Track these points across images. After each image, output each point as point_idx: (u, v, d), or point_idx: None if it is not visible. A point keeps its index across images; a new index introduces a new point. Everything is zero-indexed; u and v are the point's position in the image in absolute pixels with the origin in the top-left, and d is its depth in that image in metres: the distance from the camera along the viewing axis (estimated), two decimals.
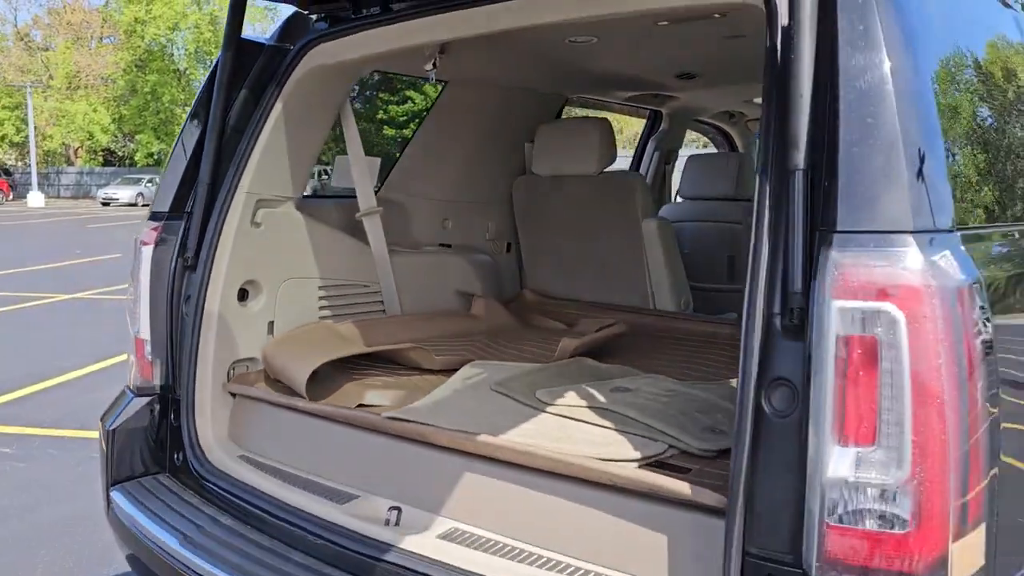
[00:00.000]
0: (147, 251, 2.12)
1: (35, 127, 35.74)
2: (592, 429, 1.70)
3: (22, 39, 40.37)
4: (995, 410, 1.09)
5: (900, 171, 1.08)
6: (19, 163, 40.56)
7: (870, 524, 1.07)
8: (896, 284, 1.05)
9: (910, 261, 1.06)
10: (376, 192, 2.85)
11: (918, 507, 1.05)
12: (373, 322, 2.45)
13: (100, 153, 39.28)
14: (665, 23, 2.12)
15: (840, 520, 1.08)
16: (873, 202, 1.09)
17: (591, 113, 3.77)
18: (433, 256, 2.83)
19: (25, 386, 5.77)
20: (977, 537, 1.07)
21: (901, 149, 1.09)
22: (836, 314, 1.08)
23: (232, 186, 2.09)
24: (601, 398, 1.87)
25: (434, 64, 2.24)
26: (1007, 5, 1.70)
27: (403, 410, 1.83)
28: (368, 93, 26.07)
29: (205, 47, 36.00)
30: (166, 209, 2.13)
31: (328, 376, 2.13)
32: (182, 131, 2.19)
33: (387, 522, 1.67)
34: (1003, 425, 1.12)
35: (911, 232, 1.07)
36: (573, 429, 1.72)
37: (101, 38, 40.26)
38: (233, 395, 2.12)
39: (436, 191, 2.93)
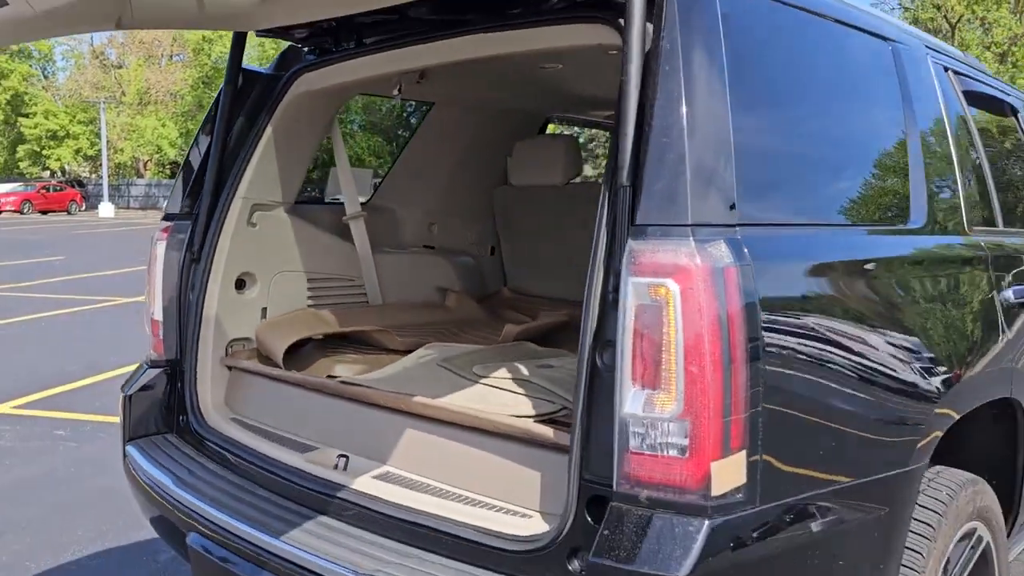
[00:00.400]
0: (161, 247, 2.53)
1: (107, 141, 37.49)
2: (508, 395, 2.04)
3: (97, 57, 42.38)
4: (758, 363, 1.40)
5: (684, 182, 1.41)
6: (92, 175, 42.49)
7: (656, 451, 1.39)
8: (673, 264, 1.38)
9: (685, 248, 1.38)
10: (370, 199, 3.24)
11: (689, 437, 1.37)
12: (352, 310, 2.83)
13: (168, 166, 40.88)
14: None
15: (635, 448, 1.41)
16: (661, 204, 1.42)
17: (577, 130, 4.11)
18: (416, 256, 3.21)
19: (82, 378, 6.32)
20: (737, 461, 1.38)
21: (686, 167, 1.42)
22: (632, 288, 1.41)
23: (231, 192, 2.49)
24: (526, 372, 2.21)
25: (399, 89, 2.63)
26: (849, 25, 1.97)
27: (355, 378, 2.20)
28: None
29: (267, 64, 37.28)
30: (176, 212, 2.54)
31: (308, 353, 2.51)
32: (192, 146, 2.61)
33: (336, 467, 2.04)
34: (769, 375, 1.43)
35: (688, 226, 1.39)
36: (494, 395, 2.07)
37: (171, 56, 42.04)
38: (229, 368, 2.52)
39: (423, 200, 3.31)
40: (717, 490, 1.36)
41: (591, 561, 1.40)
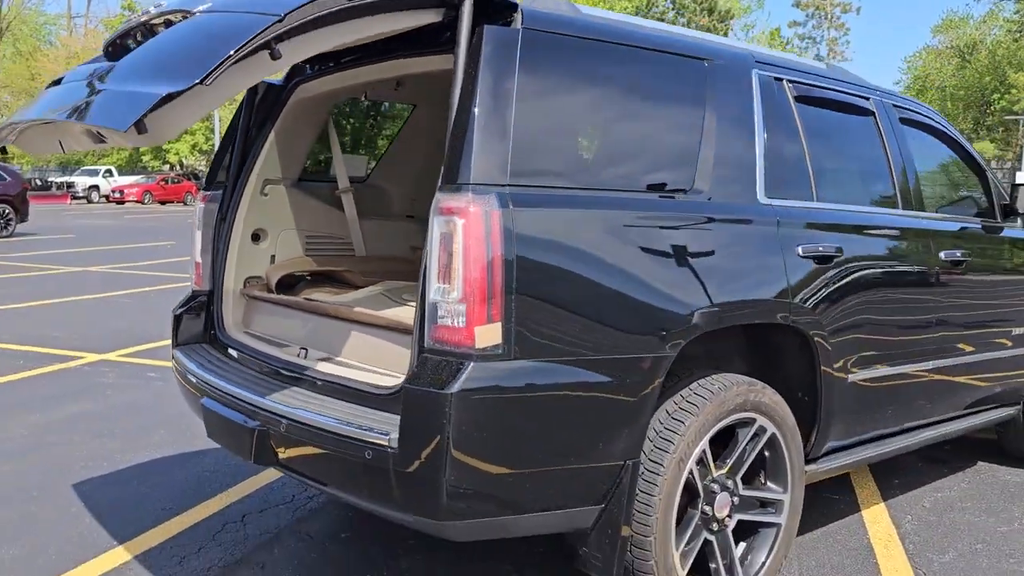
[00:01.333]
0: (200, 208, 3.55)
1: (221, 136, 40.05)
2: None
3: None
4: (512, 270, 2.26)
5: (470, 158, 2.29)
6: (206, 168, 45.32)
7: (447, 322, 2.27)
8: (458, 207, 2.26)
9: (465, 198, 2.26)
10: (366, 179, 4.21)
11: (465, 314, 2.25)
12: (337, 258, 3.80)
13: None
14: None
15: (436, 320, 2.30)
16: (457, 171, 2.30)
17: None
18: (397, 223, 4.15)
19: None
20: (495, 328, 2.24)
21: (473, 149, 2.29)
22: (436, 223, 2.29)
23: (249, 170, 3.48)
24: None
25: (365, 96, 3.60)
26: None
27: (316, 298, 3.17)
28: None
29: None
30: (211, 184, 3.56)
31: (300, 288, 3.49)
32: (224, 136, 3.61)
33: (298, 355, 3.01)
34: (520, 277, 2.29)
35: (470, 184, 2.27)
36: (406, 309, 2.98)
37: None
38: (245, 297, 3.51)
39: (407, 181, 4.24)
40: (480, 345, 2.24)
41: (404, 386, 2.31)
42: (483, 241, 2.24)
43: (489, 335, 2.25)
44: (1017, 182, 4.27)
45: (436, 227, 2.30)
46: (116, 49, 2.64)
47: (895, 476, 4.45)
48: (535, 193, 2.39)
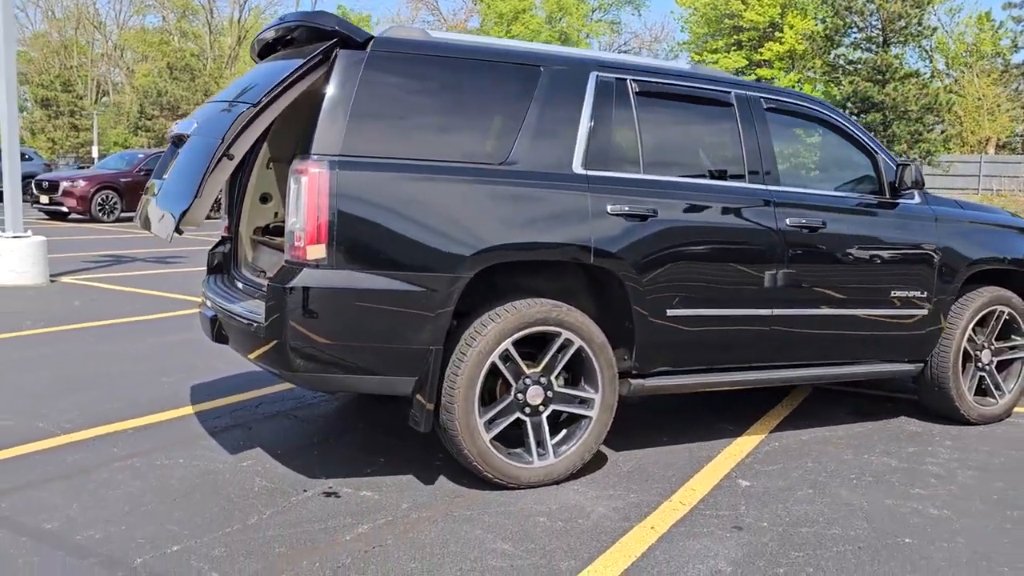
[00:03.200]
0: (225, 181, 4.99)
1: None
2: None
3: None
4: (337, 209, 3.44)
5: (313, 136, 3.50)
6: None
7: (294, 243, 3.50)
8: (306, 169, 3.47)
9: (308, 162, 3.47)
10: None
11: (303, 238, 3.46)
12: None
13: None
14: None
15: (290, 243, 3.53)
16: (308, 145, 3.51)
17: None
18: None
19: None
20: (321, 247, 3.43)
21: (318, 129, 3.51)
22: (291, 179, 3.52)
23: (257, 150, 4.87)
24: None
25: None
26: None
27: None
28: None
29: None
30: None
31: None
32: None
33: (259, 276, 4.36)
34: (341, 215, 3.47)
35: (315, 155, 3.46)
36: None
37: None
38: (254, 242, 4.92)
39: None
40: (310, 258, 3.45)
41: (268, 283, 3.57)
42: (316, 192, 3.45)
43: (317, 252, 3.46)
44: (900, 162, 4.81)
45: (292, 182, 3.53)
46: (178, 141, 4.27)
47: (804, 420, 5.12)
48: (358, 161, 3.55)
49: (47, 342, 6.69)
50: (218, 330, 4.08)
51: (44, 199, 19.38)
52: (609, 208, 3.95)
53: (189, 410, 4.90)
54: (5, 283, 9.34)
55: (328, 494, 3.74)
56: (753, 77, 37.19)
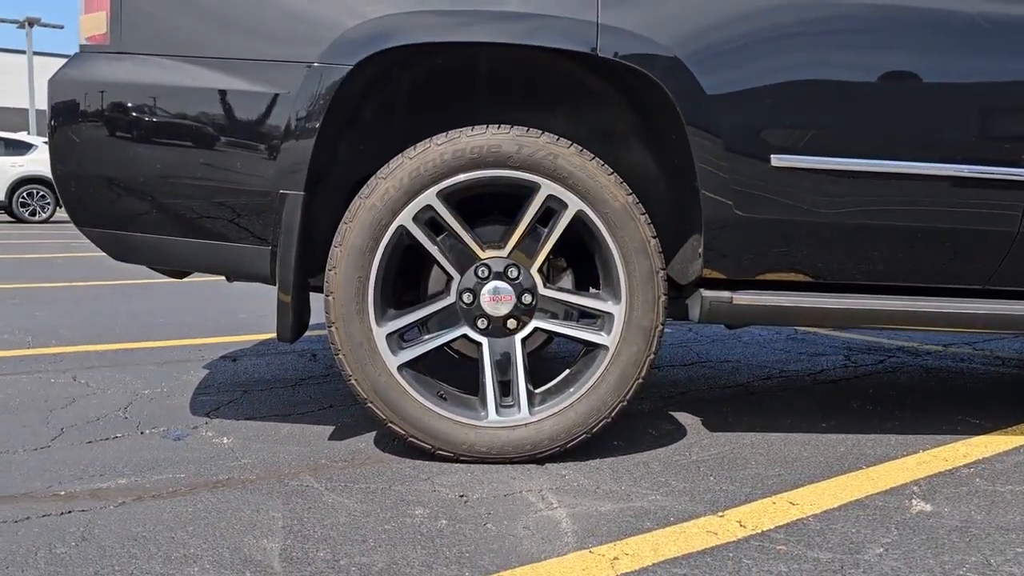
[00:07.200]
0: None
1: None
2: None
3: None
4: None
5: None
6: None
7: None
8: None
9: None
10: None
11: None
12: None
13: None
14: None
15: None
16: None
17: None
18: None
19: None
20: (101, 17, 2.06)
21: None
22: None
23: None
24: None
25: None
26: None
27: None
28: None
29: None
30: None
31: None
32: None
33: None
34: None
35: None
36: None
37: None
38: None
39: None
40: (84, 35, 2.09)
41: None
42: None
43: (94, 25, 2.09)
44: None
45: None
46: None
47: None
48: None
49: None
50: None
51: None
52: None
53: (187, 342, 3.74)
54: None
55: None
56: None
